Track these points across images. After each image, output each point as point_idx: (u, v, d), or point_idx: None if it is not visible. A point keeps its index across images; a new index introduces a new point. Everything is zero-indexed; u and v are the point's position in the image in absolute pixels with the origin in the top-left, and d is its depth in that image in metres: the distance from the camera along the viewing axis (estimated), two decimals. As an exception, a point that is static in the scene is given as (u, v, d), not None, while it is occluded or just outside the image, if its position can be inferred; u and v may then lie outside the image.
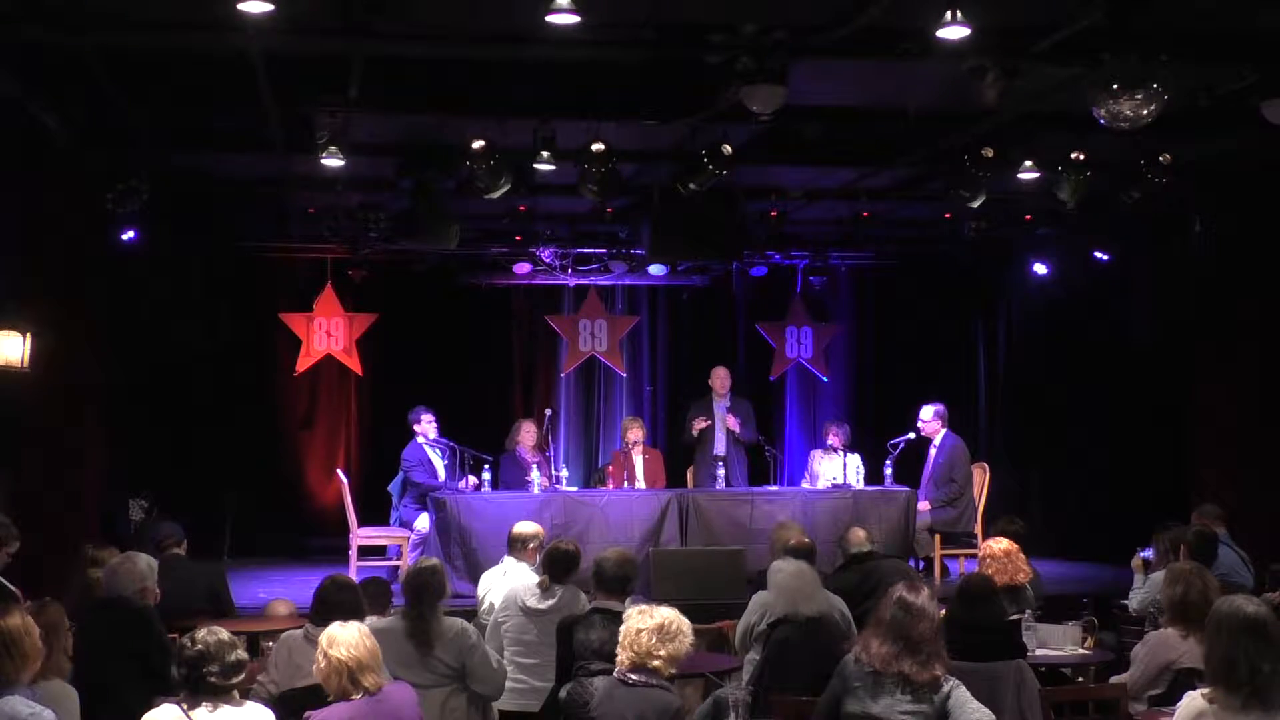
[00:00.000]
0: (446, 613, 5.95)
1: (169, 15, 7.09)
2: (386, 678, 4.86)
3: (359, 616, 5.61)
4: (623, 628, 4.89)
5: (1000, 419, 14.09)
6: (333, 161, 8.87)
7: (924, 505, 11.19)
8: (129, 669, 5.83)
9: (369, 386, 13.63)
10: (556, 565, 6.60)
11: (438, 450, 11.03)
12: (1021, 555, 7.37)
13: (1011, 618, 6.63)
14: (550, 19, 6.18)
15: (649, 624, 4.82)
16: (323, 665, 4.68)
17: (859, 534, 7.99)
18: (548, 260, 12.98)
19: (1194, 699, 4.21)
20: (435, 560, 6.31)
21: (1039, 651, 6.60)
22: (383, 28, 7.12)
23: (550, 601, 6.51)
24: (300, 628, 5.74)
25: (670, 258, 12.64)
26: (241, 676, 4.40)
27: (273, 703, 5.07)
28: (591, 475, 13.09)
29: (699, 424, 11.90)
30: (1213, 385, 11.25)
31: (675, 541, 10.50)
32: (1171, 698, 5.24)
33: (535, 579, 6.70)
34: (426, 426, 11.09)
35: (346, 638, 4.69)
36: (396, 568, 10.50)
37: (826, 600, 6.46)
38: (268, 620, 7.78)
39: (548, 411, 12.57)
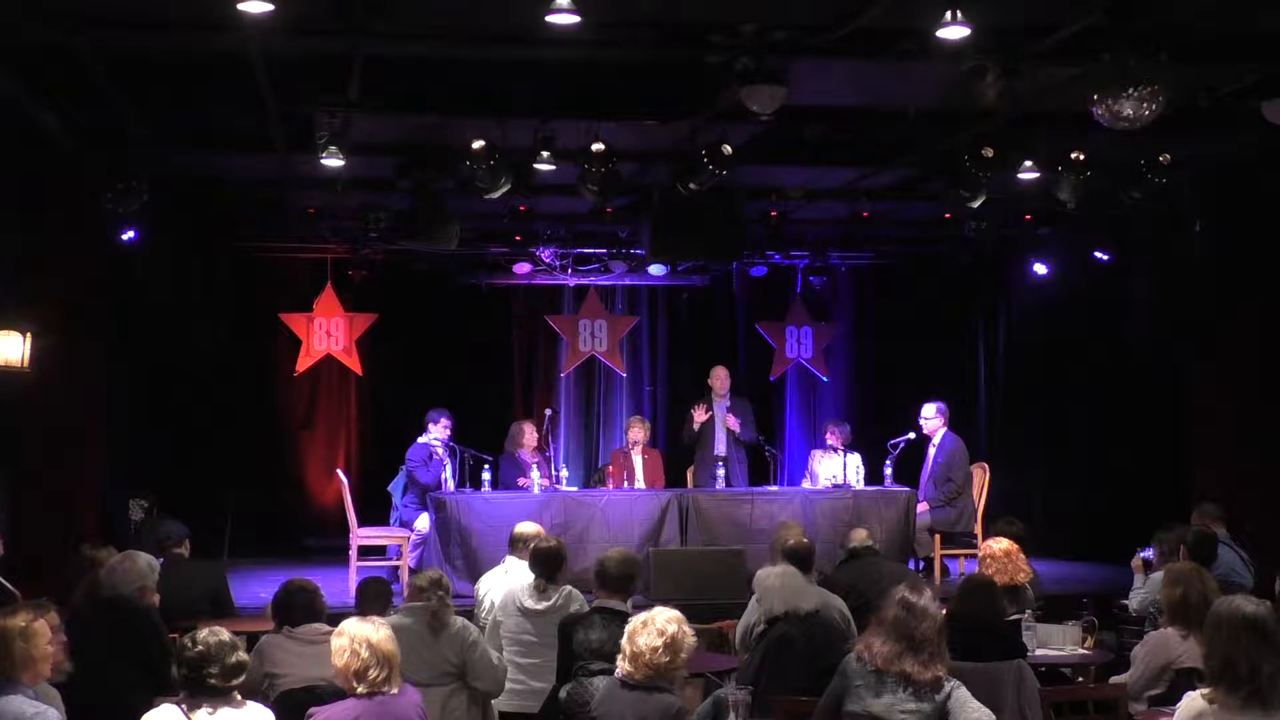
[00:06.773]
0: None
1: (168, 15, 7.09)
2: None
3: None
4: (627, 644, 4.84)
5: (1000, 419, 14.08)
6: (333, 161, 8.87)
7: (922, 506, 11.19)
8: (128, 669, 5.82)
9: (369, 386, 13.62)
10: (547, 564, 6.61)
11: (435, 453, 10.98)
12: (1021, 555, 7.37)
13: (1011, 618, 6.63)
14: (550, 19, 6.19)
15: (658, 641, 4.76)
16: (365, 655, 4.60)
17: (860, 532, 8.18)
18: (548, 260, 12.98)
19: (1194, 699, 4.21)
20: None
21: (1039, 651, 6.60)
22: (383, 28, 7.11)
23: (547, 603, 6.52)
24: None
25: (670, 258, 12.63)
26: (242, 678, 4.39)
27: (273, 702, 5.07)
28: (591, 475, 13.08)
29: (700, 414, 11.88)
30: (1213, 385, 11.22)
31: (675, 541, 10.50)
32: (1171, 698, 5.24)
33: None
34: (434, 430, 11.03)
35: (384, 631, 4.69)
36: (396, 568, 10.50)
37: (821, 596, 6.47)
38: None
39: (548, 411, 12.56)
